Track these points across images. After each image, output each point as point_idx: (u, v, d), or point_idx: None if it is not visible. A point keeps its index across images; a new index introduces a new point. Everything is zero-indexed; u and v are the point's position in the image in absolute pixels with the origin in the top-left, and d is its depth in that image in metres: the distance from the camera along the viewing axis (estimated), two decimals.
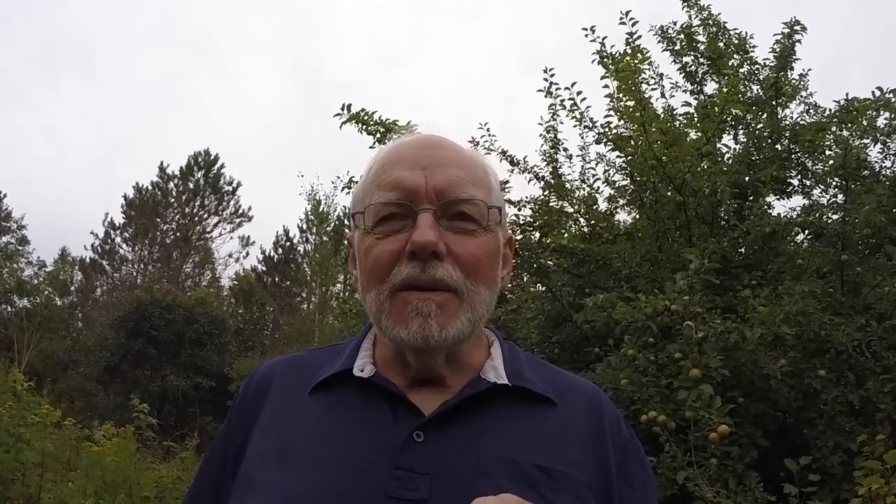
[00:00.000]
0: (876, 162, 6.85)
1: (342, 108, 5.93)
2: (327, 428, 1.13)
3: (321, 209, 23.34)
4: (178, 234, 34.22)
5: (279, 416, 1.19)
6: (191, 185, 34.85)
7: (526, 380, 1.18)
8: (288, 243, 33.15)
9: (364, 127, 5.99)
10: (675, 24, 7.33)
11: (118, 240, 34.47)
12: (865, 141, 6.62)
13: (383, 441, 1.08)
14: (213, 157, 35.22)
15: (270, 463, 1.13)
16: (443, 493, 1.03)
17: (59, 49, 52.69)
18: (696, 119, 6.67)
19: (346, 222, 29.48)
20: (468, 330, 1.11)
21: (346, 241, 1.33)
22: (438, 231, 1.10)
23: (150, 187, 34.77)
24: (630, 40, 6.28)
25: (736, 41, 7.07)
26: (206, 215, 35.06)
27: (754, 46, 7.04)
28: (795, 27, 6.75)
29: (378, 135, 5.99)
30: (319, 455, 1.09)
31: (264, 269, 33.00)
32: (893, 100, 6.28)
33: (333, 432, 1.12)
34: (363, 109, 5.96)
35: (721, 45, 7.08)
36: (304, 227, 29.73)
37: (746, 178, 6.70)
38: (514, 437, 1.11)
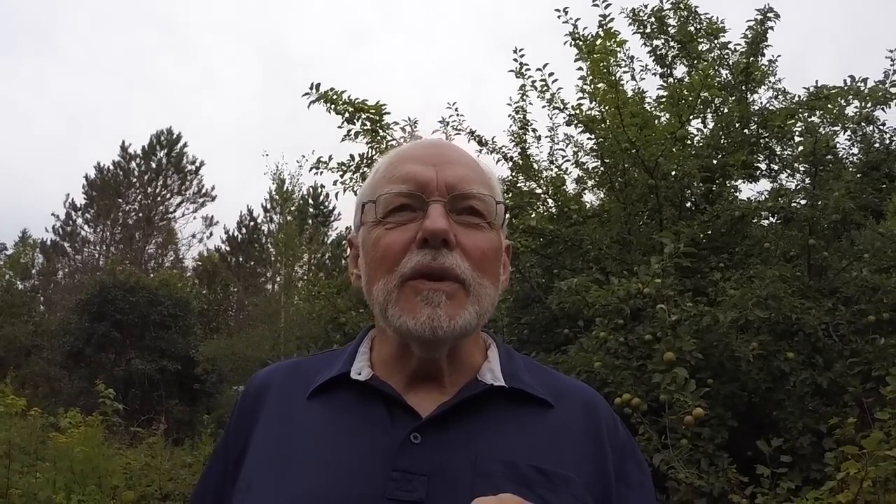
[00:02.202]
0: (843, 148, 6.96)
1: (311, 88, 5.87)
2: (325, 431, 1.14)
3: (285, 188, 23.11)
4: (141, 214, 33.66)
5: (277, 422, 1.19)
6: (153, 165, 34.25)
7: (522, 382, 1.18)
8: (252, 223, 32.89)
9: (333, 107, 5.93)
10: (646, 7, 7.36)
11: (80, 221, 33.82)
12: (835, 128, 6.72)
13: (381, 443, 1.09)
14: (175, 135, 34.66)
15: (269, 467, 1.13)
16: (440, 494, 1.03)
17: (19, 25, 51.47)
18: (667, 102, 6.70)
19: (310, 202, 29.40)
20: (475, 322, 1.12)
21: (345, 243, 1.32)
22: (449, 221, 1.11)
23: (111, 167, 34.12)
24: (603, 22, 6.29)
25: (706, 25, 7.11)
26: (168, 195, 34.53)
27: (726, 30, 7.09)
28: (769, 14, 6.81)
29: (347, 114, 5.94)
30: (318, 459, 1.10)
31: (228, 249, 32.71)
32: (864, 88, 6.36)
33: (331, 436, 1.13)
34: (332, 89, 5.91)
35: (691, 29, 7.12)
36: (269, 206, 29.53)
37: (714, 162, 6.76)
38: (511, 438, 1.12)
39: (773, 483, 3.86)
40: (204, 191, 34.96)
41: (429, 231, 1.09)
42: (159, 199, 34.29)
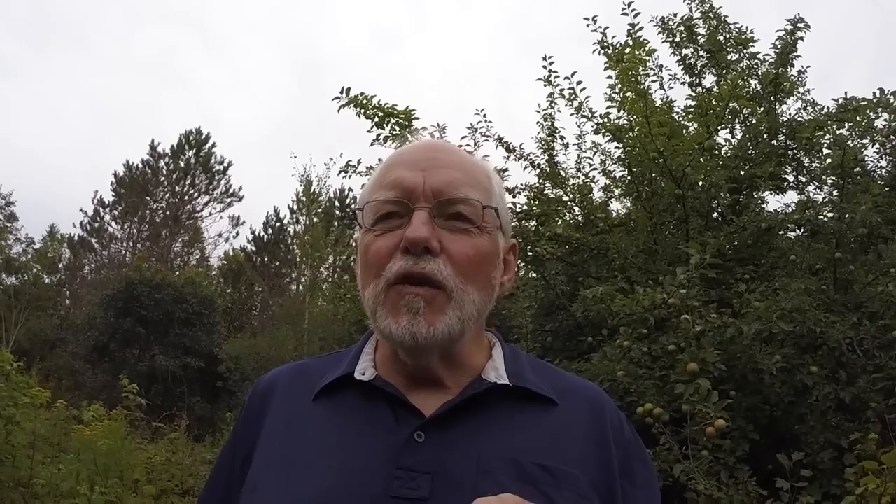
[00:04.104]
0: (871, 161, 6.90)
1: (341, 92, 5.90)
2: (330, 432, 1.15)
3: (313, 190, 23.19)
4: (168, 212, 34.02)
5: (283, 423, 1.21)
6: (182, 164, 34.61)
7: (526, 380, 1.19)
8: (278, 224, 33.08)
9: (362, 111, 5.96)
10: (675, 15, 7.34)
11: (107, 217, 34.26)
12: (864, 141, 6.66)
13: (385, 442, 1.10)
14: (204, 136, 35.01)
15: (275, 468, 1.14)
16: (444, 492, 1.04)
17: (51, 22, 52.08)
18: (695, 112, 6.68)
19: (336, 204, 29.51)
20: (457, 327, 1.12)
21: (352, 243, 1.34)
22: (432, 228, 1.12)
23: (140, 165, 34.53)
24: (632, 31, 6.28)
25: (736, 35, 7.09)
26: (196, 194, 34.87)
27: (755, 40, 7.06)
28: (799, 24, 6.77)
29: (376, 119, 5.97)
30: (322, 459, 1.11)
31: (254, 249, 32.93)
32: (893, 101, 6.31)
33: (336, 436, 1.14)
34: (362, 93, 5.94)
35: (721, 38, 7.10)
36: (295, 207, 29.68)
37: (742, 173, 6.73)
38: (515, 436, 1.12)
39: (792, 497, 3.83)
40: (231, 191, 35.31)
41: (409, 239, 1.10)
42: (187, 198, 34.62)
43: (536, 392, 1.17)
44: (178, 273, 25.14)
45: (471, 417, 1.12)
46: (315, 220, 24.22)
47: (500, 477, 1.05)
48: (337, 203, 29.63)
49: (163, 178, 34.64)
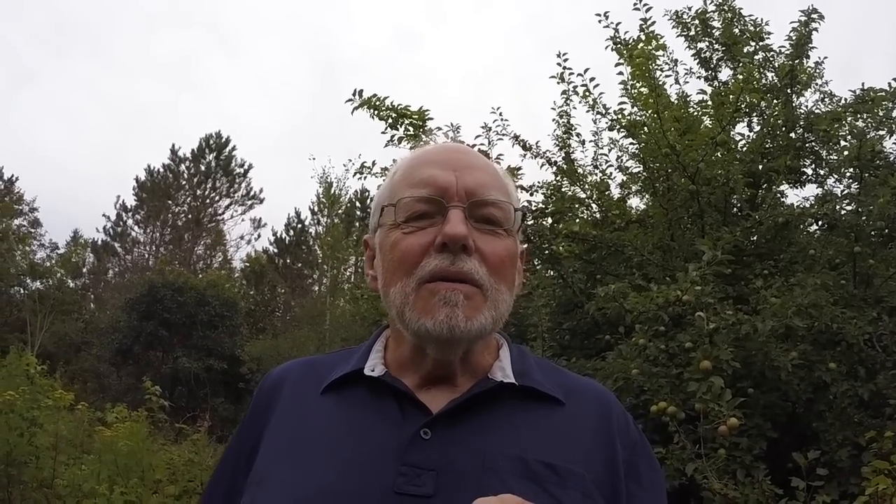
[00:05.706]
0: (891, 152, 6.80)
1: (354, 94, 5.89)
2: (337, 426, 1.15)
3: (332, 191, 23.28)
4: (190, 216, 34.30)
5: (291, 416, 1.21)
6: (202, 168, 34.88)
7: (532, 379, 1.19)
8: (299, 225, 33.21)
9: (376, 112, 5.95)
10: (689, 9, 7.29)
11: (130, 222, 34.61)
12: (881, 132, 6.57)
13: (391, 438, 1.10)
14: (224, 139, 35.26)
15: (281, 461, 1.15)
16: (449, 489, 1.04)
17: (71, 29, 52.61)
18: (710, 106, 6.64)
19: (357, 205, 29.59)
20: (490, 326, 1.13)
21: (363, 244, 1.33)
22: (468, 226, 1.12)
23: (161, 170, 34.84)
24: (644, 26, 6.25)
25: (751, 27, 7.02)
26: (217, 197, 35.12)
27: (769, 33, 6.99)
28: (812, 15, 6.71)
29: (390, 120, 5.96)
30: (328, 452, 1.11)
31: (276, 250, 33.08)
32: None
33: (343, 430, 1.14)
34: (375, 95, 5.92)
35: (736, 31, 7.04)
36: (316, 209, 29.79)
37: (760, 167, 6.67)
38: (521, 434, 1.12)
39: (808, 496, 3.79)
40: (252, 193, 35.53)
41: (448, 236, 1.09)
42: (208, 201, 34.88)
43: (542, 391, 1.17)
44: (200, 276, 25.38)
45: (477, 415, 1.12)
46: (336, 220, 24.32)
47: (505, 475, 1.05)
48: (357, 203, 29.71)
49: (184, 182, 34.93)
